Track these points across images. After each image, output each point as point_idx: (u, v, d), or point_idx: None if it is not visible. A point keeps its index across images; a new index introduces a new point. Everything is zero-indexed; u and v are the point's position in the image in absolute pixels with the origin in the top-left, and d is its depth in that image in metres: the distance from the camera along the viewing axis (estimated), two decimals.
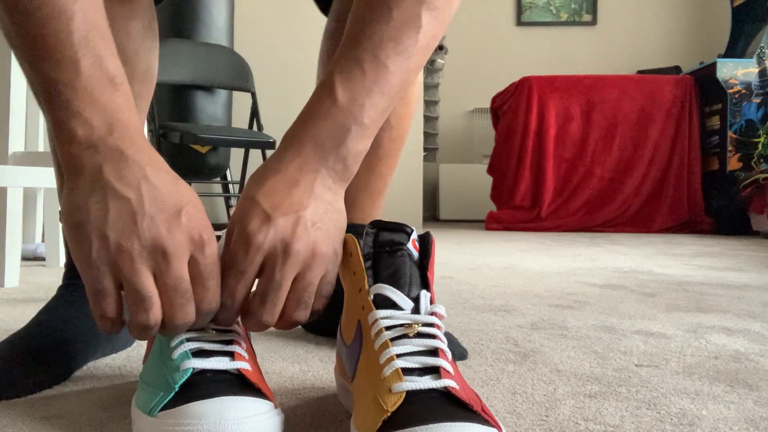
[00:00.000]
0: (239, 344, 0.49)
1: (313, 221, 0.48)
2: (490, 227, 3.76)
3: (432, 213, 5.20)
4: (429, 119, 4.86)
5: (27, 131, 1.77)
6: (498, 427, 0.40)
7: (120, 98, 0.46)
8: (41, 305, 1.07)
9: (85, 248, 0.43)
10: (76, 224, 0.43)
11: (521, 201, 3.78)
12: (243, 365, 0.46)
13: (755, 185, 3.23)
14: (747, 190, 3.28)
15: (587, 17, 5.27)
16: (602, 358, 0.75)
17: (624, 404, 0.58)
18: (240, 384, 0.45)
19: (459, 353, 0.74)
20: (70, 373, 0.64)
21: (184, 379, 0.44)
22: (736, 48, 3.85)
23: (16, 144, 1.34)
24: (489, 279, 1.49)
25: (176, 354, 0.46)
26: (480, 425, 0.38)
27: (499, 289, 1.33)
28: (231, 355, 0.47)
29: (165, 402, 0.43)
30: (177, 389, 0.43)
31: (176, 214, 0.43)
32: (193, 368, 0.45)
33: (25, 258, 1.77)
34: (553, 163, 3.74)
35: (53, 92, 0.44)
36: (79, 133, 0.44)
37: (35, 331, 0.66)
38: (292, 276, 0.47)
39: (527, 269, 1.70)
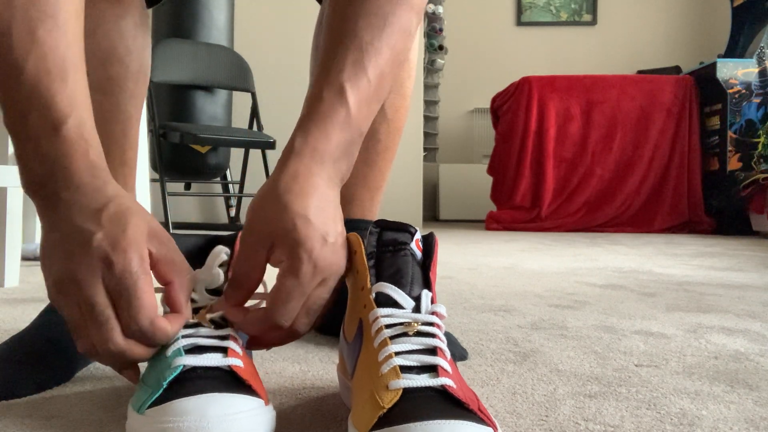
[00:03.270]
0: (235, 340, 0.49)
1: (341, 238, 0.51)
2: (490, 227, 3.76)
3: (432, 213, 5.20)
4: (429, 119, 4.86)
5: None
6: (494, 426, 0.40)
7: (62, 145, 0.47)
8: (41, 305, 1.07)
9: (46, 289, 0.48)
10: (41, 265, 0.49)
11: (521, 201, 3.78)
12: (235, 362, 0.46)
13: (755, 185, 3.23)
14: (747, 190, 3.28)
15: (587, 17, 5.28)
16: (602, 358, 0.75)
17: (624, 404, 0.58)
18: (229, 381, 0.45)
19: (459, 354, 0.74)
20: (71, 374, 0.64)
21: (172, 377, 0.44)
22: (736, 48, 3.85)
23: None
24: (489, 279, 1.49)
25: (170, 351, 0.46)
26: (475, 424, 0.38)
27: (499, 289, 1.33)
28: (225, 351, 0.47)
29: (153, 399, 0.43)
30: (165, 386, 0.44)
31: (86, 243, 0.45)
32: (183, 365, 0.45)
33: (25, 258, 1.77)
34: (553, 163, 3.74)
35: (13, 141, 0.49)
36: (26, 179, 0.49)
37: (36, 333, 0.66)
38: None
39: (527, 269, 1.70)
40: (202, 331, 0.48)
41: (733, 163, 3.48)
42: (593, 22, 5.27)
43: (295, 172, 0.51)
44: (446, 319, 0.98)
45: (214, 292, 0.52)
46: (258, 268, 0.50)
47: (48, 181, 0.47)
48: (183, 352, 0.46)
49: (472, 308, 1.09)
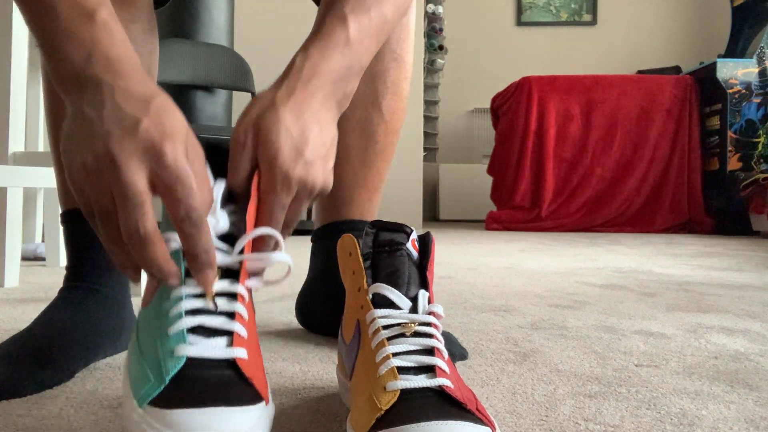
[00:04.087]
0: (241, 319, 0.46)
1: (330, 159, 0.53)
2: (490, 227, 3.76)
3: (432, 213, 5.20)
4: (429, 119, 4.86)
5: (27, 131, 1.77)
6: (492, 425, 0.40)
7: (99, 31, 0.47)
8: (41, 305, 1.07)
9: (67, 174, 0.45)
10: (63, 152, 0.46)
11: (521, 201, 3.78)
12: (239, 353, 0.44)
13: (755, 185, 3.23)
14: (747, 190, 3.28)
15: (587, 17, 5.28)
16: (602, 358, 0.75)
17: (624, 404, 0.58)
18: (233, 382, 0.43)
19: (459, 354, 0.74)
20: (71, 373, 0.64)
21: (175, 371, 0.42)
22: (736, 48, 3.85)
23: (16, 144, 1.34)
24: (489, 279, 1.49)
25: (172, 330, 0.44)
26: (473, 424, 0.38)
27: (499, 289, 1.33)
28: (230, 335, 0.45)
29: (154, 395, 0.41)
30: (168, 382, 0.42)
31: (132, 127, 0.43)
32: (187, 357, 0.43)
33: (25, 258, 1.77)
34: (553, 163, 3.74)
35: (40, 39, 0.48)
36: (61, 72, 0.47)
37: (37, 332, 0.66)
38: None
39: (527, 269, 1.70)
40: (209, 305, 0.46)
41: (733, 163, 3.48)
42: (593, 22, 5.27)
43: (293, 87, 0.53)
44: (446, 319, 0.98)
45: (230, 241, 0.49)
46: (242, 176, 0.50)
47: (87, 66, 0.46)
48: (186, 337, 0.44)
49: (472, 308, 1.09)
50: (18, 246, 1.32)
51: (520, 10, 5.28)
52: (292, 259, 0.50)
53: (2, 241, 1.29)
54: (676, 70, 4.57)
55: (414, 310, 0.47)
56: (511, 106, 3.85)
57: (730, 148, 3.48)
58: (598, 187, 3.73)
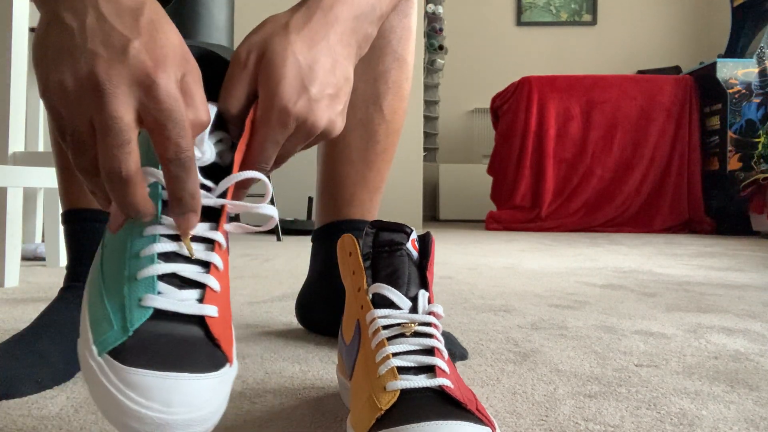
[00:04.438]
0: (216, 271, 0.42)
1: (339, 101, 0.48)
2: (490, 227, 3.76)
3: (432, 213, 5.20)
4: (429, 119, 4.86)
5: (27, 131, 1.77)
6: (492, 425, 0.40)
7: None
8: (41, 305, 1.07)
9: (41, 90, 0.40)
10: (36, 62, 0.40)
11: (521, 201, 3.78)
12: (210, 311, 0.41)
13: (755, 185, 3.23)
14: (747, 190, 3.28)
15: (587, 17, 5.28)
16: (602, 358, 0.75)
17: (624, 404, 0.58)
18: (199, 343, 0.40)
19: (460, 353, 0.74)
20: (71, 373, 0.64)
21: (140, 323, 0.38)
22: (736, 48, 3.85)
23: (16, 144, 1.35)
24: (489, 279, 1.49)
25: (142, 275, 0.40)
26: (473, 424, 0.38)
27: (499, 289, 1.33)
28: (202, 288, 0.41)
29: (115, 345, 0.38)
30: (131, 334, 0.38)
31: (121, 50, 0.38)
32: (154, 308, 0.39)
33: (25, 258, 1.77)
34: (553, 163, 3.74)
35: None
36: None
37: (37, 332, 0.66)
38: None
39: (527, 269, 1.70)
40: (184, 249, 0.42)
41: (733, 163, 3.48)
42: (593, 22, 5.27)
43: (311, 12, 0.48)
44: (446, 319, 0.98)
45: (214, 174, 0.44)
46: (237, 102, 0.45)
47: None
48: (156, 285, 0.40)
49: (472, 308, 1.09)
50: (18, 246, 1.32)
51: (520, 10, 5.28)
52: (277, 212, 0.46)
53: (2, 241, 1.29)
54: (676, 70, 4.57)
55: (414, 310, 0.47)
56: (511, 106, 3.85)
57: (730, 148, 3.48)
58: (598, 187, 3.73)
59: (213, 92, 0.46)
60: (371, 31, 0.53)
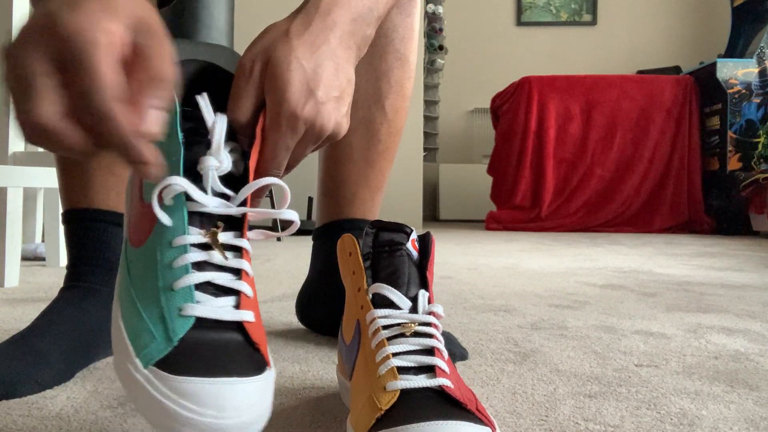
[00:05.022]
0: (247, 277, 0.43)
1: (344, 102, 0.49)
2: (490, 227, 3.76)
3: (432, 213, 5.20)
4: (429, 119, 4.86)
5: None
6: (492, 425, 0.40)
7: None
8: (41, 305, 1.07)
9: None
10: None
11: (521, 201, 3.78)
12: (247, 316, 0.41)
13: (755, 185, 3.23)
14: (747, 190, 3.28)
15: (587, 17, 5.28)
16: (602, 358, 0.75)
17: (624, 404, 0.58)
18: (241, 349, 0.40)
19: (460, 354, 0.74)
20: (71, 373, 0.64)
21: (184, 332, 0.39)
22: (736, 48, 3.85)
23: (16, 144, 1.34)
24: (489, 279, 1.49)
25: (179, 285, 0.40)
26: (473, 424, 0.38)
27: (499, 289, 1.33)
28: (237, 295, 0.42)
29: (161, 356, 0.38)
30: (176, 344, 0.38)
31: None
32: (196, 317, 0.40)
33: (25, 258, 1.77)
34: (553, 163, 3.74)
35: None
36: None
37: (37, 332, 0.66)
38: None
39: (527, 269, 1.70)
40: (215, 257, 0.42)
41: (733, 163, 3.48)
42: (593, 22, 5.27)
43: (310, 18, 0.49)
44: (446, 319, 0.98)
45: (230, 183, 0.44)
46: (246, 111, 0.46)
47: None
48: (194, 294, 0.40)
49: (472, 308, 1.09)
50: (18, 246, 1.32)
51: (520, 10, 5.28)
52: (297, 216, 0.46)
53: (2, 241, 1.29)
54: (676, 70, 4.57)
55: (414, 310, 0.47)
56: (511, 106, 3.85)
57: (730, 148, 3.48)
58: (598, 187, 3.73)
59: (221, 104, 0.46)
60: (369, 33, 0.54)
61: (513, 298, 1.20)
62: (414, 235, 0.52)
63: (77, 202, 0.74)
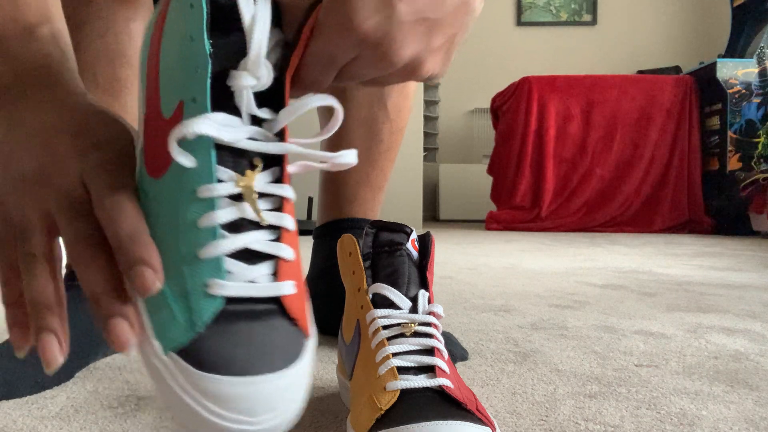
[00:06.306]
0: (289, 236, 0.34)
1: (445, 34, 0.38)
2: (490, 227, 3.76)
3: (432, 213, 5.20)
4: (429, 119, 4.86)
5: None
6: (492, 425, 0.40)
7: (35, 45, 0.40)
8: None
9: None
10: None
11: (521, 201, 3.78)
12: (286, 289, 0.33)
13: (755, 185, 3.23)
14: (747, 190, 3.28)
15: (587, 17, 5.28)
16: (602, 358, 0.75)
17: (624, 404, 0.58)
18: (277, 331, 0.33)
19: (460, 354, 0.74)
20: (71, 373, 0.64)
21: (210, 317, 0.32)
22: (736, 48, 3.85)
23: None
24: (489, 279, 1.49)
25: (205, 254, 0.32)
26: (473, 424, 0.38)
27: (499, 289, 1.33)
28: (275, 261, 0.33)
29: (183, 343, 0.31)
30: (202, 331, 0.31)
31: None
32: (225, 297, 0.32)
33: None
34: (553, 163, 3.74)
35: None
36: None
37: None
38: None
39: (527, 269, 1.70)
40: (248, 212, 0.33)
41: (733, 163, 3.48)
42: (593, 22, 5.27)
43: None
44: (446, 319, 0.98)
45: (267, 100, 0.34)
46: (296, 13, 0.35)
47: (14, 85, 0.39)
48: (224, 266, 0.32)
49: (472, 308, 1.09)
50: None
51: (520, 10, 5.28)
52: (356, 156, 0.35)
53: None
54: (676, 70, 4.57)
55: (414, 310, 0.47)
56: (511, 106, 3.85)
57: (730, 148, 3.48)
58: (598, 187, 3.73)
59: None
60: None
61: (513, 298, 1.20)
62: (414, 235, 0.52)
63: None
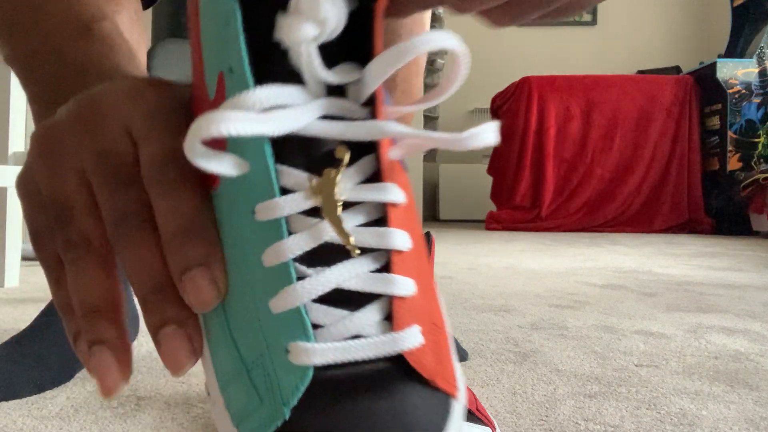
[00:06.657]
0: (401, 259, 0.22)
1: None
2: (490, 227, 3.76)
3: (432, 213, 5.20)
4: (429, 119, 4.86)
5: (27, 131, 1.77)
6: (492, 425, 0.40)
7: (95, 45, 0.36)
8: (41, 305, 1.07)
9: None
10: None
11: (521, 201, 3.78)
12: (409, 341, 0.21)
13: (755, 185, 3.23)
14: (747, 190, 3.28)
15: (587, 17, 5.28)
16: (602, 358, 0.75)
17: (624, 404, 0.58)
18: (403, 398, 0.21)
19: (460, 355, 0.74)
20: (71, 374, 0.64)
21: (297, 397, 0.20)
22: (736, 48, 3.85)
23: (16, 144, 1.34)
24: (489, 279, 1.49)
25: (278, 305, 0.21)
26: (472, 424, 0.38)
27: (499, 289, 1.33)
28: (386, 300, 0.22)
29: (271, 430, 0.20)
30: (288, 415, 0.20)
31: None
32: (314, 367, 0.20)
33: (25, 258, 1.77)
34: (553, 163, 3.74)
35: (7, 43, 0.37)
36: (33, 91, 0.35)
37: (37, 333, 0.66)
38: None
39: (527, 269, 1.70)
40: (330, 232, 0.22)
41: (733, 163, 3.48)
42: (593, 22, 5.27)
43: None
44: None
45: (343, 51, 0.23)
46: None
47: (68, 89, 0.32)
48: (307, 321, 0.21)
49: (472, 308, 1.09)
50: (18, 246, 1.32)
51: None
52: (496, 133, 0.24)
53: (2, 241, 1.29)
54: (676, 70, 4.57)
55: None
56: (511, 106, 3.85)
57: (730, 148, 3.48)
58: (598, 187, 3.73)
59: None
60: None
61: (513, 298, 1.20)
62: None
63: None
